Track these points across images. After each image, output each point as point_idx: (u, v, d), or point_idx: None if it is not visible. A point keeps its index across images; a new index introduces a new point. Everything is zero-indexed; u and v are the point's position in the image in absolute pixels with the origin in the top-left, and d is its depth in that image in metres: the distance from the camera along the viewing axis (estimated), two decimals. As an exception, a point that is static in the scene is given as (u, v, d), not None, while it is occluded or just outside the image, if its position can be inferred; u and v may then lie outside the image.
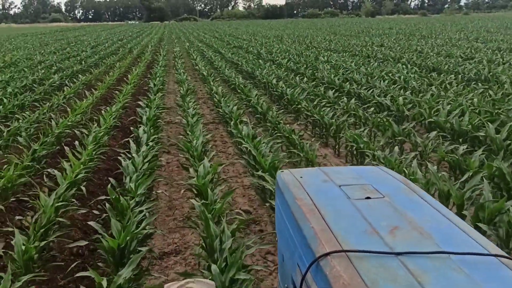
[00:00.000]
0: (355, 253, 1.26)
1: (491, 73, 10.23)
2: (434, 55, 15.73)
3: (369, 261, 1.22)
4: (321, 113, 7.02)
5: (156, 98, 8.99)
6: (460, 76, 10.39)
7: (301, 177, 1.86)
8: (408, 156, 4.85)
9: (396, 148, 4.97)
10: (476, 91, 8.38)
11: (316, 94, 8.90)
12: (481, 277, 1.15)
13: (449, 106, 6.81)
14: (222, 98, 8.58)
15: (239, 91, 10.09)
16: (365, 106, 7.64)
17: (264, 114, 7.83)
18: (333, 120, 6.45)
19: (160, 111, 8.04)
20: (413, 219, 1.46)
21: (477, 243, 1.32)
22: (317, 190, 1.71)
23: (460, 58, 14.50)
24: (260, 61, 15.56)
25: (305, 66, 13.10)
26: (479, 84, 9.37)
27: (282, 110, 8.54)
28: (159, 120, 7.27)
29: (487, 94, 8.23)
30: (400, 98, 7.40)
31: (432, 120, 6.10)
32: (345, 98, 8.09)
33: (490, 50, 16.78)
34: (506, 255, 1.26)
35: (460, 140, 5.61)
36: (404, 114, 7.13)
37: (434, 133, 5.56)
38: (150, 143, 5.64)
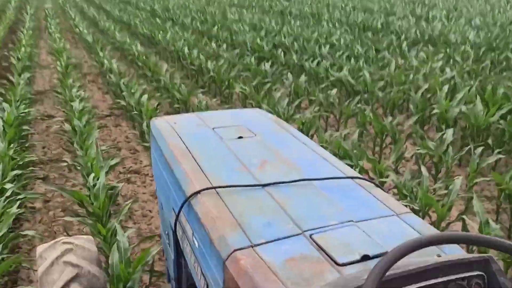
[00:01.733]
0: (225, 188, 1.28)
1: (436, 32, 8.95)
2: (351, 9, 14.34)
3: (238, 194, 1.25)
4: (271, 101, 5.01)
5: (22, 81, 6.20)
6: (403, 36, 8.95)
7: (175, 123, 1.84)
8: (447, 183, 3.10)
9: (424, 170, 3.18)
10: (436, 57, 6.96)
11: (248, 68, 6.81)
12: (339, 198, 1.24)
13: (437, 84, 5.22)
14: (122, 80, 6.09)
15: (140, 64, 7.59)
16: (323, 86, 5.74)
17: (185, 102, 5.60)
18: (299, 116, 4.48)
19: (28, 106, 5.35)
20: (281, 153, 1.51)
21: (337, 169, 1.42)
22: (190, 134, 1.70)
23: (381, 13, 13.26)
24: (158, 20, 12.83)
25: (216, 27, 10.77)
26: (430, 47, 8.01)
27: (208, 95, 6.32)
28: (25, 127, 4.61)
29: (451, 61, 6.85)
30: (366, 73, 5.63)
31: (436, 112, 4.40)
32: (289, 74, 6.12)
33: (404, 3, 15.88)
34: (360, 176, 1.38)
35: (480, 138, 4.03)
36: (377, 96, 5.41)
37: (450, 131, 3.87)
38: (9, 186, 3.17)
